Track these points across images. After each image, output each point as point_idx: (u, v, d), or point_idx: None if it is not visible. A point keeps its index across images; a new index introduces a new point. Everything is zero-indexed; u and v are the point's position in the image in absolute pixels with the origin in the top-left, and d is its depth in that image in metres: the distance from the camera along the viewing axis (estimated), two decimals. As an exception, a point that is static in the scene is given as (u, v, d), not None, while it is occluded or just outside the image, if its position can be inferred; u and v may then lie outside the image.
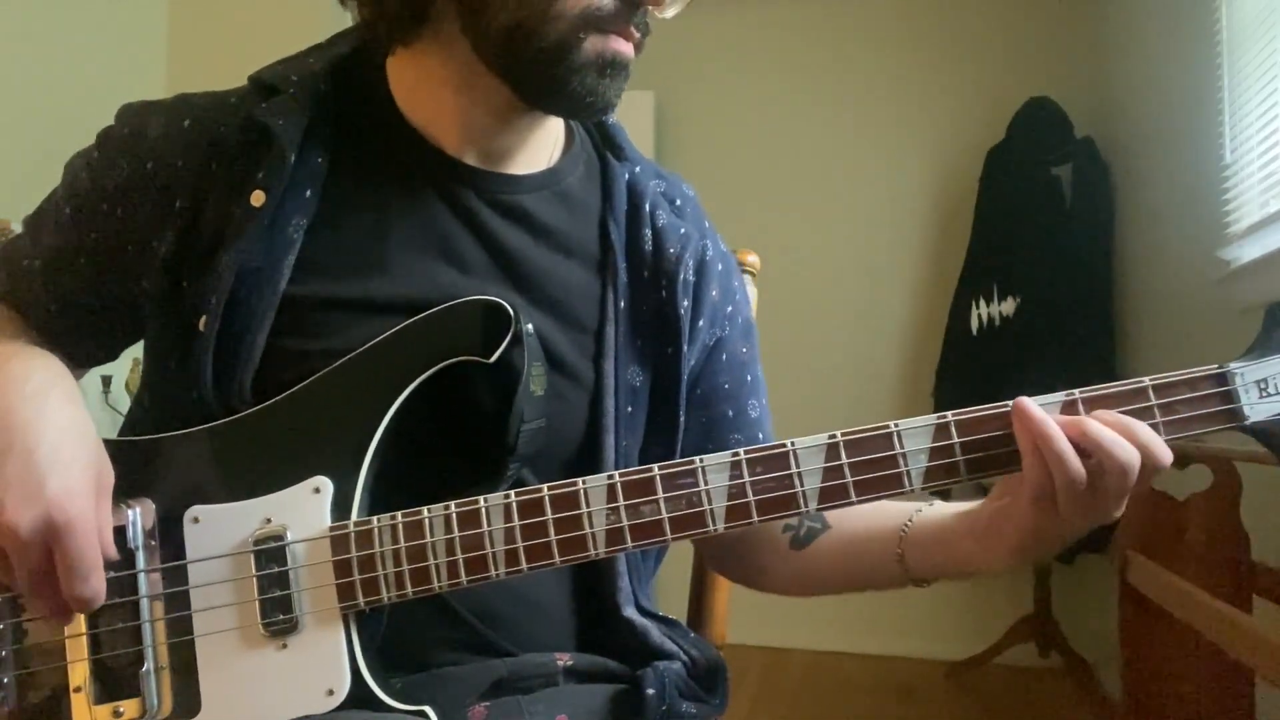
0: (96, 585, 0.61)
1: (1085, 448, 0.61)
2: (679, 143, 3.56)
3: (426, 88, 0.76)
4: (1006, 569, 0.70)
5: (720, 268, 0.85)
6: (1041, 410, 0.63)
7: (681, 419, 0.80)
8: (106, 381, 2.41)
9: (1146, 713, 1.72)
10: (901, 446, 0.65)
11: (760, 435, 0.86)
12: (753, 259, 1.11)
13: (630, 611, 0.78)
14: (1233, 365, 0.65)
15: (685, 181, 0.90)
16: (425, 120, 0.77)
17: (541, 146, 0.81)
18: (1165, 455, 0.62)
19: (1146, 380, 0.65)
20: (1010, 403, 0.65)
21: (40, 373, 0.66)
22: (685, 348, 0.79)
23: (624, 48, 0.71)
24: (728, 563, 0.90)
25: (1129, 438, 0.62)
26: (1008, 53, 3.28)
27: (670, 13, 0.73)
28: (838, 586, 0.84)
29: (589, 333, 0.78)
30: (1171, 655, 1.68)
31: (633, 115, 3.33)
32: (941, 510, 0.76)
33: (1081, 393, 0.65)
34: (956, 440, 0.65)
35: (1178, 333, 2.45)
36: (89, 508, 0.61)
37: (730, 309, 0.86)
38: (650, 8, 0.72)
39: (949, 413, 0.66)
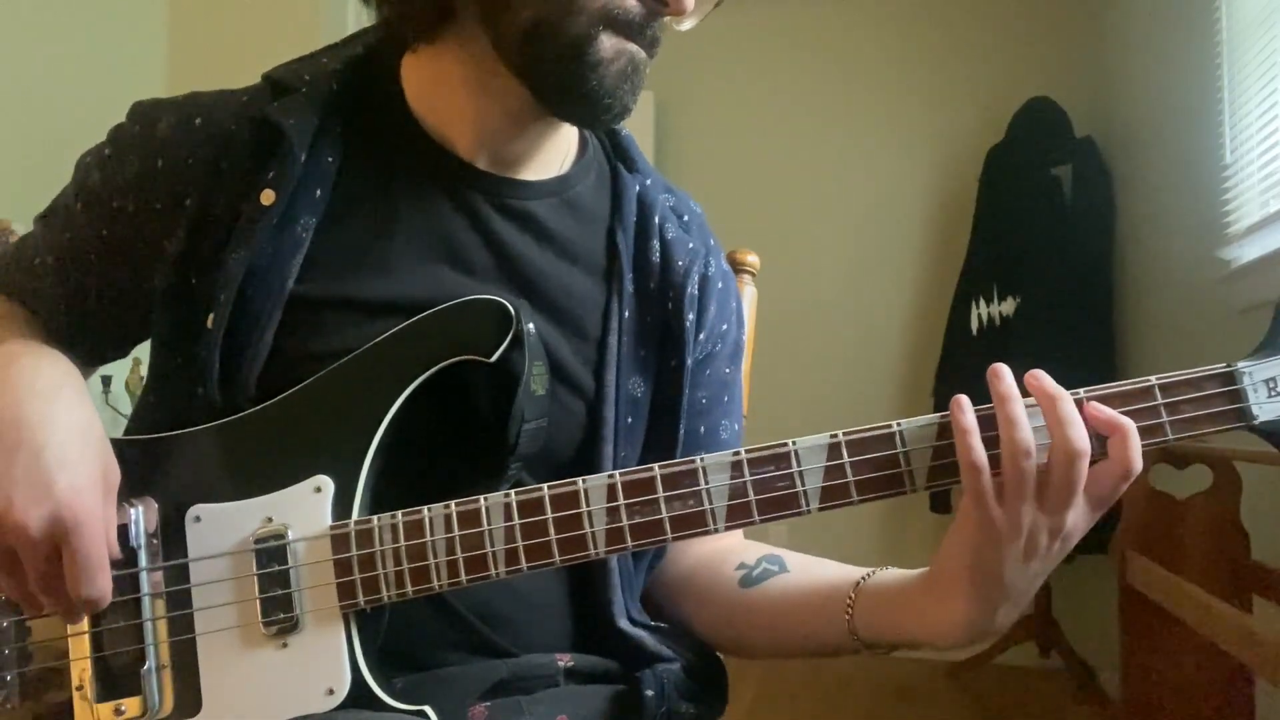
0: (103, 585, 0.61)
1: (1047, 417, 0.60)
2: (679, 143, 3.56)
3: (442, 89, 0.76)
4: (964, 635, 0.65)
5: (720, 286, 0.85)
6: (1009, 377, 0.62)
7: (681, 431, 0.80)
8: (106, 381, 2.41)
9: (1146, 713, 1.72)
10: (904, 446, 0.65)
11: None
12: (753, 259, 1.11)
13: (624, 623, 0.77)
14: (1241, 364, 0.64)
15: (692, 199, 0.90)
16: (438, 122, 0.77)
17: (553, 153, 0.81)
18: (1136, 463, 0.60)
19: (1153, 379, 0.64)
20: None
21: (49, 371, 0.66)
22: (689, 361, 0.79)
23: (638, 50, 0.71)
24: (668, 598, 0.86)
25: (1110, 427, 0.60)
26: (1008, 53, 3.28)
27: (686, 25, 0.73)
28: (774, 639, 0.79)
29: (591, 342, 0.78)
30: (1171, 655, 1.69)
31: (633, 115, 3.30)
32: (898, 571, 0.73)
33: (1086, 391, 0.64)
34: (959, 440, 0.65)
35: (1178, 332, 2.46)
36: (98, 506, 0.61)
37: (724, 327, 0.86)
38: (668, 19, 0.72)
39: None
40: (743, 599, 0.80)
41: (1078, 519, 0.62)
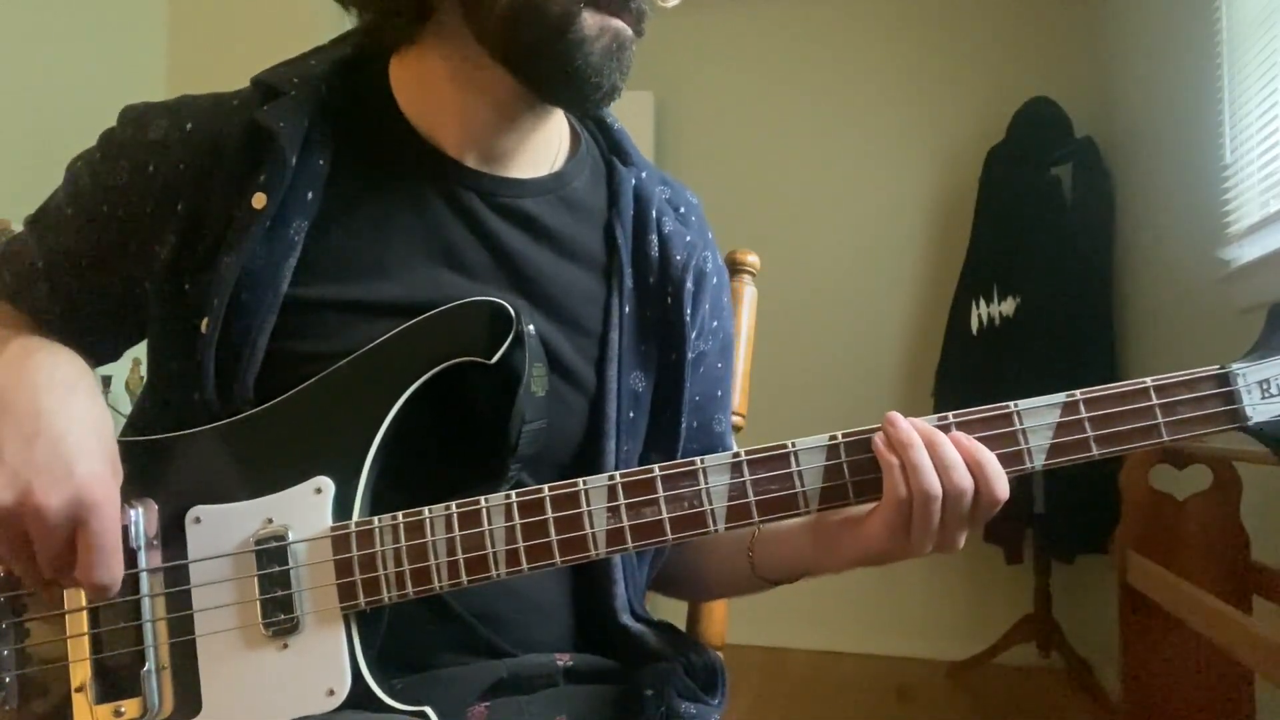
0: (116, 570, 0.61)
1: (934, 463, 0.63)
2: (679, 143, 3.55)
3: (429, 86, 0.76)
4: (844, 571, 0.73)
5: (715, 281, 0.85)
6: (908, 423, 0.65)
7: (683, 425, 0.80)
8: (106, 381, 2.41)
9: (1146, 713, 1.72)
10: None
11: (720, 450, 0.86)
12: (753, 259, 1.11)
13: (626, 619, 0.78)
14: (1234, 366, 0.65)
15: (689, 190, 0.90)
16: (427, 121, 0.77)
17: (544, 149, 0.81)
18: (1002, 491, 0.64)
19: (1148, 381, 0.65)
20: (1009, 403, 0.65)
21: (66, 366, 0.67)
22: (689, 354, 0.80)
23: (623, 26, 0.71)
24: None
25: (972, 466, 0.64)
26: (1008, 53, 3.28)
27: (672, 2, 0.73)
28: (705, 584, 0.89)
29: (592, 337, 0.78)
30: (1171, 655, 1.69)
31: (633, 115, 3.32)
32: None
33: (1083, 393, 0.65)
34: (958, 440, 0.65)
35: (1178, 333, 2.46)
36: (115, 493, 0.62)
37: (715, 324, 0.86)
38: None
39: (950, 414, 0.66)
40: (675, 557, 0.86)
41: (965, 535, 0.67)
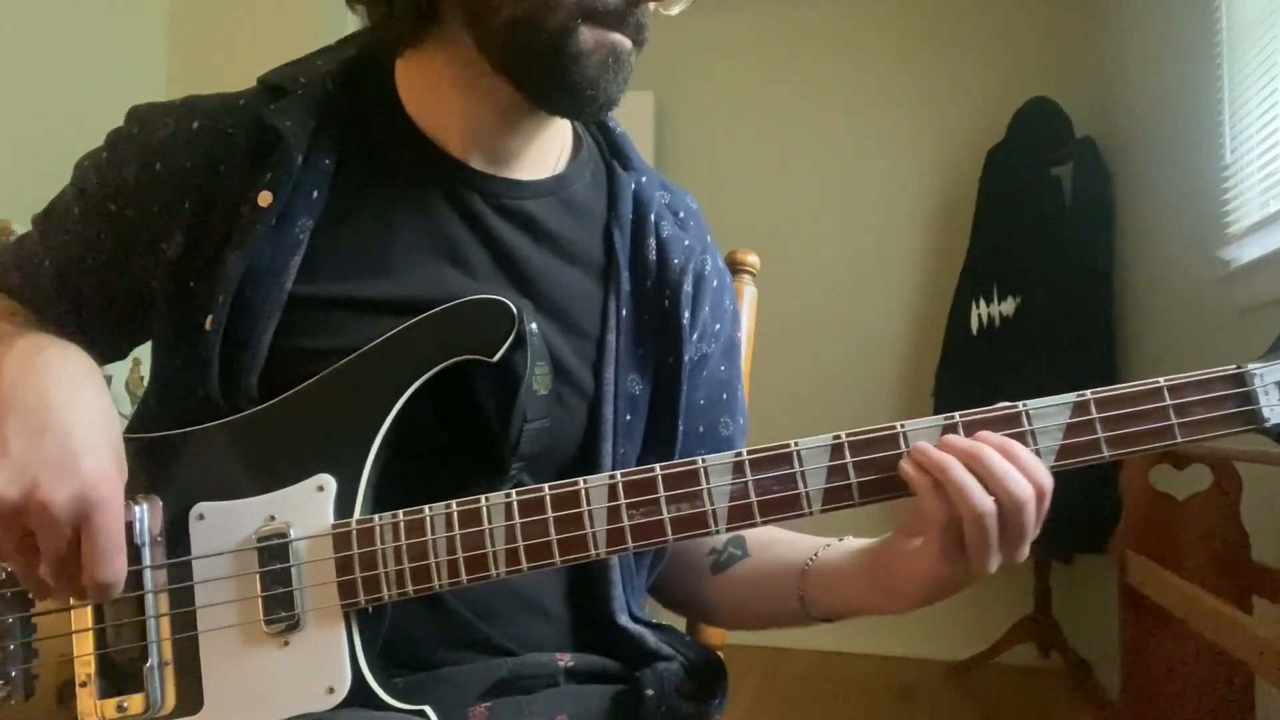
0: (120, 568, 0.61)
1: (982, 477, 0.61)
2: (679, 143, 3.56)
3: (433, 89, 0.76)
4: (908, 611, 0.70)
5: (715, 284, 0.85)
6: (933, 447, 0.62)
7: (681, 428, 0.80)
8: (106, 381, 2.41)
9: (1146, 713, 1.72)
10: (908, 447, 0.64)
11: None
12: (753, 259, 1.11)
13: (624, 620, 0.78)
14: (1251, 366, 0.63)
15: (689, 194, 0.90)
16: (432, 123, 0.77)
17: (547, 152, 0.81)
18: (1046, 482, 0.62)
19: (1161, 381, 0.63)
20: (1018, 403, 0.64)
21: (75, 363, 0.67)
22: (686, 357, 0.80)
23: (621, 40, 0.71)
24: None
25: (1021, 469, 0.61)
26: (1008, 53, 3.28)
27: (675, 10, 0.73)
28: (748, 619, 0.86)
29: (590, 340, 0.78)
30: (1171, 655, 1.69)
31: (633, 115, 3.32)
32: (844, 547, 0.76)
33: (1094, 393, 0.63)
34: (963, 441, 0.64)
35: (1178, 333, 2.46)
36: (120, 489, 0.62)
37: (718, 327, 0.86)
38: (653, 6, 0.72)
39: (956, 413, 0.64)
40: (712, 584, 0.84)
41: (1028, 544, 0.64)
